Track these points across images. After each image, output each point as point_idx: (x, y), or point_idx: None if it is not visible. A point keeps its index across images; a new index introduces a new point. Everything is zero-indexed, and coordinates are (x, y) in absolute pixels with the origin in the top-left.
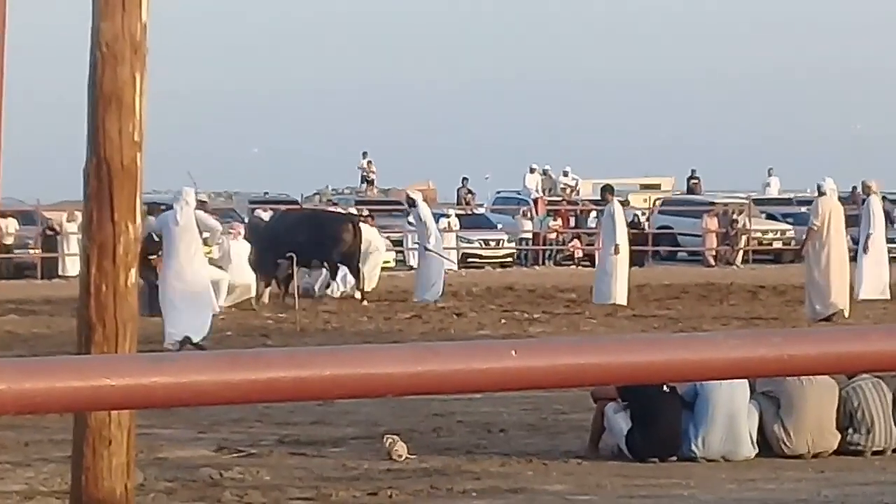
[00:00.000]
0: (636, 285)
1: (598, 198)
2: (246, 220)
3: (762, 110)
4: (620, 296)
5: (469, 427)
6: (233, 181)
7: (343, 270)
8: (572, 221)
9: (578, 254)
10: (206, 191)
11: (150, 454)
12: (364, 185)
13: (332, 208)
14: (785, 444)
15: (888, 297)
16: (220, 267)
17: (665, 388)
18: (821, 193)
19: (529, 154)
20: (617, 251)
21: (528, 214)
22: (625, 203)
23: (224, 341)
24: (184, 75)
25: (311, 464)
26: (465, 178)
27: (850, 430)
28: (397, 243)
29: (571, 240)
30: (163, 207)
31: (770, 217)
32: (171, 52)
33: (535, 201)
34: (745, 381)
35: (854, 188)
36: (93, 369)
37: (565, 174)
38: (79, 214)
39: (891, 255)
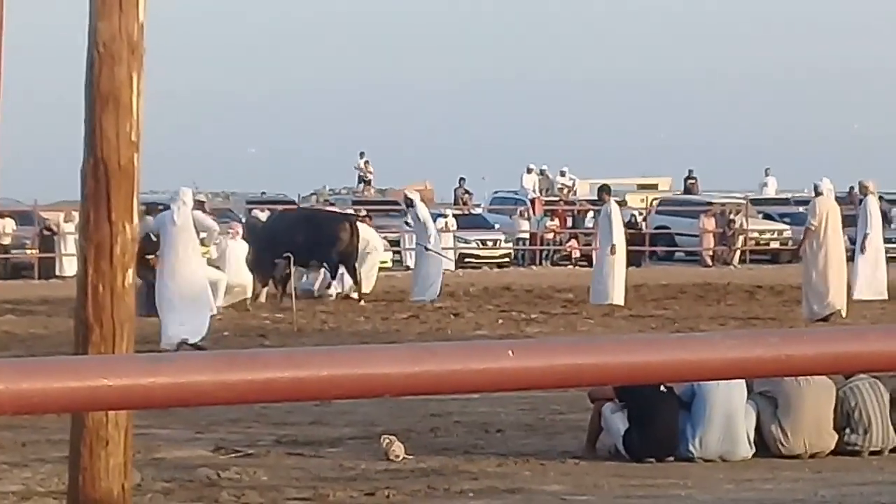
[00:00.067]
0: (633, 285)
1: (596, 198)
2: (243, 221)
3: (759, 110)
4: (617, 296)
5: (466, 427)
6: (230, 181)
7: (340, 270)
8: (569, 221)
9: (576, 254)
10: (204, 191)
11: (148, 454)
12: (361, 186)
13: (328, 208)
14: (782, 445)
15: (885, 297)
16: (217, 267)
17: (662, 388)
18: (818, 193)
19: (527, 154)
20: (613, 251)
21: (526, 214)
22: (622, 203)
23: (221, 341)
24: (183, 75)
25: (309, 464)
26: (462, 179)
27: (848, 431)
28: (394, 243)
29: (569, 240)
30: (161, 207)
31: (767, 217)
32: (169, 52)
33: (533, 201)
34: (743, 381)
35: (851, 188)
36: (90, 370)
37: (562, 174)
38: (76, 214)
39: (888, 255)
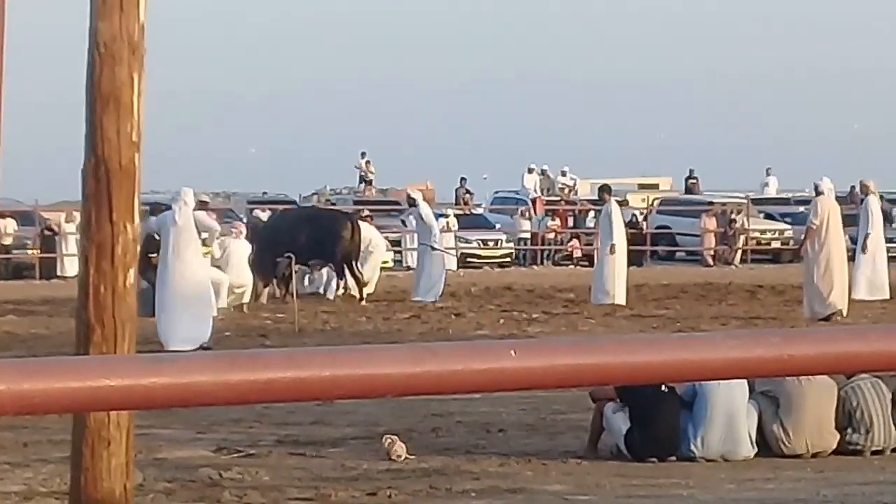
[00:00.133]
0: (635, 285)
1: (596, 198)
2: (244, 221)
3: (760, 110)
4: (619, 296)
5: (468, 427)
6: (231, 181)
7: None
8: (570, 221)
9: (577, 254)
10: (204, 191)
11: (149, 455)
12: (362, 186)
13: (329, 207)
14: (784, 444)
15: (887, 296)
16: (219, 267)
17: (664, 388)
18: (818, 193)
19: (527, 154)
20: (612, 250)
21: (527, 214)
22: (623, 203)
23: (223, 342)
24: (183, 75)
25: (311, 464)
26: (463, 178)
27: (849, 430)
28: (395, 243)
29: (570, 240)
30: (163, 208)
31: (768, 217)
32: (169, 52)
33: (534, 201)
34: (744, 380)
35: (852, 188)
36: (91, 370)
37: (563, 174)
38: (77, 215)
39: (889, 254)
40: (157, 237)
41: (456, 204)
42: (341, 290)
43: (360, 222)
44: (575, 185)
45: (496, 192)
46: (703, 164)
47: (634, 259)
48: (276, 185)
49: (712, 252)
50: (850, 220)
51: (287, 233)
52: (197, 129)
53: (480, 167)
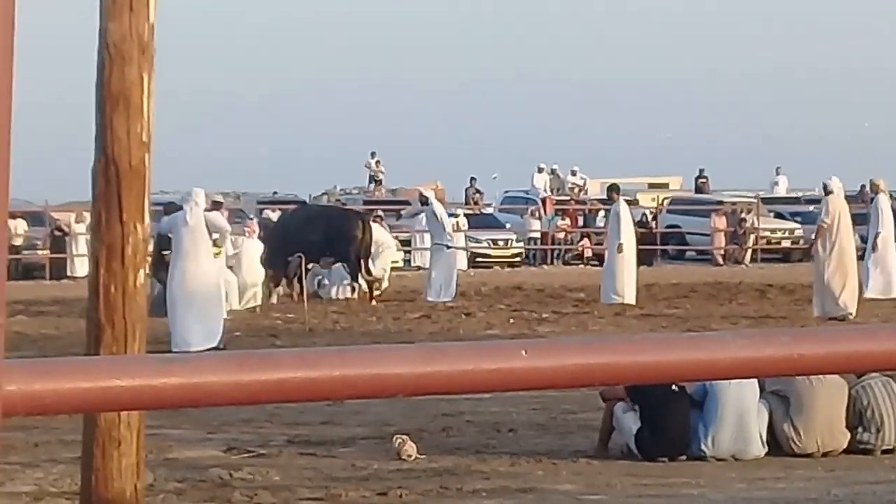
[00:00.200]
0: (645, 284)
1: (606, 197)
2: (256, 221)
3: (771, 109)
4: (629, 295)
5: (478, 427)
6: (241, 181)
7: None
8: (580, 221)
9: (588, 253)
10: (214, 191)
11: (160, 455)
12: (372, 186)
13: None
14: (795, 443)
15: None
16: (231, 267)
17: (674, 387)
18: (827, 192)
19: (538, 153)
20: (620, 249)
21: (537, 214)
22: (633, 202)
23: (233, 342)
24: (183, 75)
25: (321, 464)
26: (473, 178)
27: (860, 429)
28: (405, 243)
29: (580, 239)
30: (177, 208)
31: (778, 216)
32: (169, 52)
33: (544, 201)
34: (755, 380)
35: (862, 186)
36: (102, 370)
37: (573, 174)
38: (87, 215)
39: None
40: (170, 236)
41: (466, 204)
42: (354, 294)
43: (371, 222)
44: (585, 184)
45: (506, 192)
46: (712, 164)
47: (644, 258)
48: (285, 185)
49: (722, 251)
50: (860, 219)
51: (298, 232)
52: (207, 129)
53: (480, 167)
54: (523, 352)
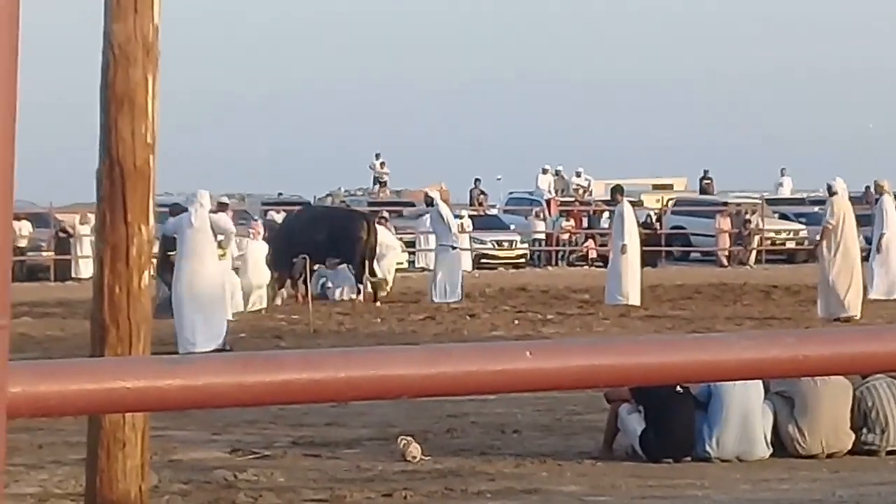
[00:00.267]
0: (649, 286)
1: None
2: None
3: (771, 110)
4: (633, 296)
5: (483, 428)
6: (242, 182)
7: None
8: (585, 222)
9: (592, 254)
10: (218, 193)
11: (165, 456)
12: (376, 187)
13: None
14: (799, 444)
15: None
16: (237, 269)
17: (679, 388)
18: (832, 193)
19: (538, 153)
20: (623, 251)
21: (541, 215)
22: (638, 203)
23: (237, 343)
24: (183, 75)
25: (326, 465)
26: (477, 179)
27: (865, 430)
28: (409, 244)
29: (585, 240)
30: (182, 209)
31: (783, 217)
32: (169, 52)
33: (548, 202)
34: (759, 381)
35: (867, 188)
36: (107, 372)
37: (578, 175)
38: (92, 216)
39: None
40: (175, 238)
41: (470, 205)
42: (358, 296)
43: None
44: (589, 185)
45: (510, 193)
46: (717, 165)
47: (649, 260)
48: (290, 186)
49: (727, 252)
50: (864, 220)
51: (303, 233)
52: (197, 130)
53: (481, 167)
54: (528, 353)
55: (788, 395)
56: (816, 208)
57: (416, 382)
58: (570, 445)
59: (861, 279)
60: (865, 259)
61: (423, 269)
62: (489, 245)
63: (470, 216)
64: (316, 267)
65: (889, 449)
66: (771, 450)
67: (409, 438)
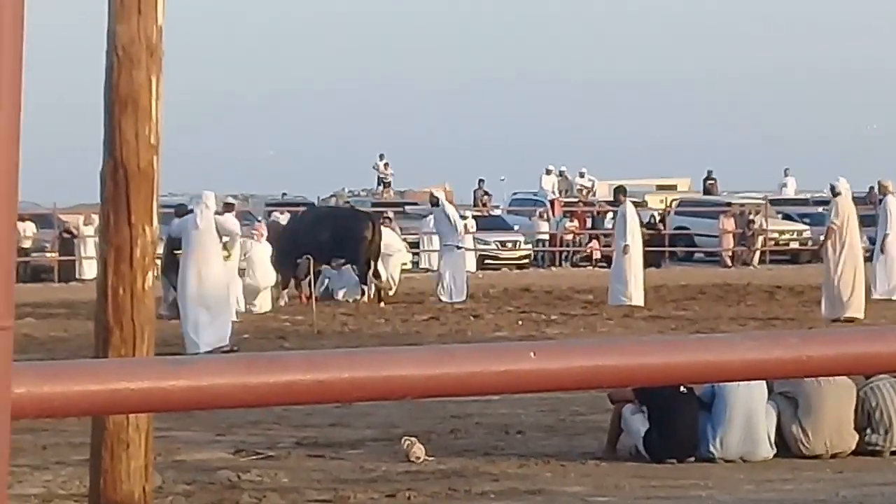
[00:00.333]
0: (653, 286)
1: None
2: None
3: (772, 110)
4: (637, 297)
5: (487, 429)
6: (249, 184)
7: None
8: (589, 223)
9: (596, 255)
10: (221, 194)
11: (168, 457)
12: (380, 188)
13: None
14: (803, 445)
15: None
16: (242, 270)
17: (682, 389)
18: (835, 194)
19: (538, 154)
20: (626, 251)
21: (545, 216)
22: (642, 204)
23: (241, 344)
24: (183, 75)
25: (329, 466)
26: (481, 180)
27: (868, 431)
28: (414, 245)
29: (589, 241)
30: (188, 210)
31: (787, 217)
32: (169, 53)
33: (552, 202)
34: (763, 381)
35: (871, 188)
36: (110, 373)
37: (581, 175)
38: (95, 217)
39: None
40: (181, 238)
41: (474, 205)
42: (362, 297)
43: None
44: (593, 186)
45: (514, 194)
46: (721, 165)
47: (653, 260)
48: (293, 186)
49: (731, 253)
50: (868, 221)
51: (307, 233)
52: (197, 130)
53: (481, 167)
54: (532, 354)
55: (792, 396)
56: (820, 209)
57: (420, 383)
58: (573, 446)
59: (863, 281)
60: (869, 259)
61: (427, 270)
62: (493, 246)
63: (474, 217)
64: (320, 267)
65: (893, 449)
66: (774, 450)
67: (412, 439)
